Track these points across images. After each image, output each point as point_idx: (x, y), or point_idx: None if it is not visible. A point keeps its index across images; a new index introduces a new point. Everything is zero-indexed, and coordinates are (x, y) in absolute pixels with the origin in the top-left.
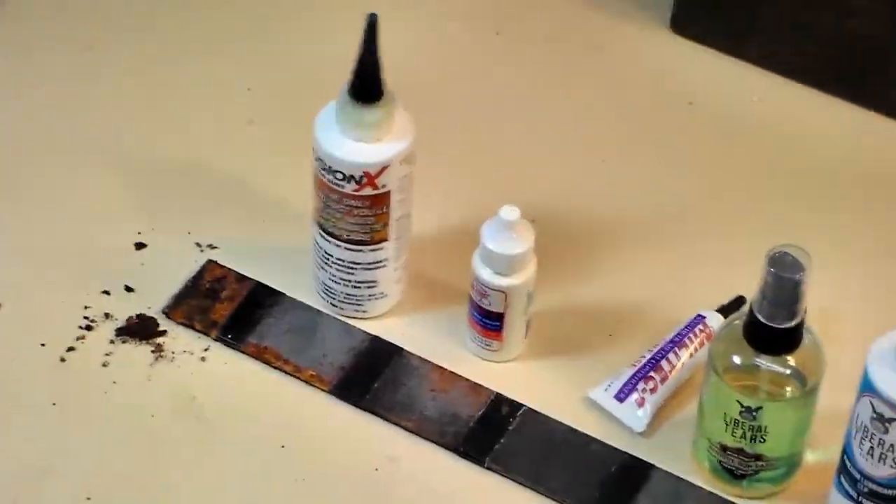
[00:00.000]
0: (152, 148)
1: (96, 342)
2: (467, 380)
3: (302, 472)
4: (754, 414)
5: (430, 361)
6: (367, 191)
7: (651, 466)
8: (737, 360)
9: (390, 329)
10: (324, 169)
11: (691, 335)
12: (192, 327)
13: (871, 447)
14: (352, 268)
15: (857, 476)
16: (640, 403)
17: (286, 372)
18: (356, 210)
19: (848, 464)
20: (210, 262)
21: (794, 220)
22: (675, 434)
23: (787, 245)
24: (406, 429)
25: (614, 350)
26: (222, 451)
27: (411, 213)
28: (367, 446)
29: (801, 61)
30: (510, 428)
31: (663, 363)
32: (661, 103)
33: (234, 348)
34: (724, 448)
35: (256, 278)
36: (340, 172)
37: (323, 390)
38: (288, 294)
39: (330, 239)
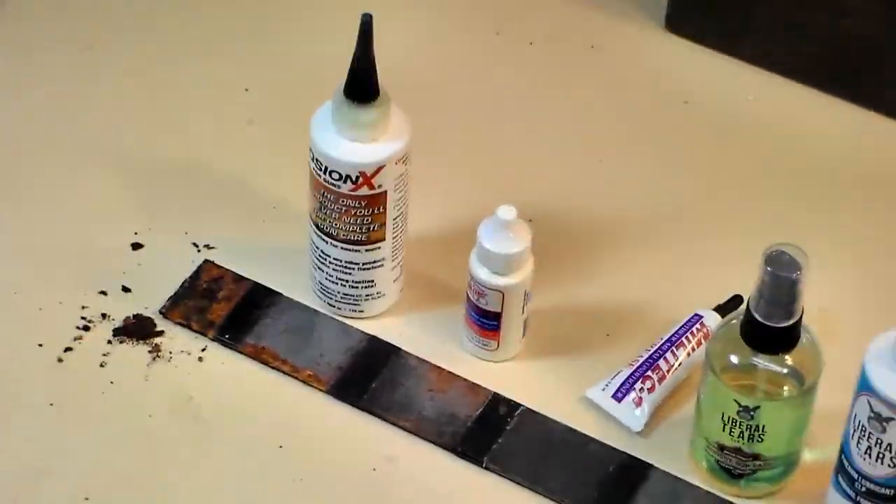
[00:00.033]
0: (150, 148)
1: (94, 342)
2: (465, 380)
3: (300, 472)
4: (752, 413)
5: (427, 361)
6: (364, 191)
7: (649, 466)
8: (734, 359)
9: (388, 329)
10: (320, 169)
11: (689, 334)
12: (189, 327)
13: (869, 446)
14: (349, 268)
15: (855, 475)
16: (638, 403)
17: (284, 372)
18: (353, 210)
19: (845, 463)
20: (207, 262)
21: (791, 220)
22: (672, 433)
23: (784, 244)
24: (404, 429)
25: (612, 349)
26: (220, 451)
27: (408, 213)
28: (364, 446)
29: (796, 60)
30: (508, 428)
31: (661, 362)
32: (657, 103)
33: (231, 348)
34: (721, 447)
35: (253, 278)
36: (337, 172)
37: (320, 390)
38: (285, 294)
39: (327, 239)
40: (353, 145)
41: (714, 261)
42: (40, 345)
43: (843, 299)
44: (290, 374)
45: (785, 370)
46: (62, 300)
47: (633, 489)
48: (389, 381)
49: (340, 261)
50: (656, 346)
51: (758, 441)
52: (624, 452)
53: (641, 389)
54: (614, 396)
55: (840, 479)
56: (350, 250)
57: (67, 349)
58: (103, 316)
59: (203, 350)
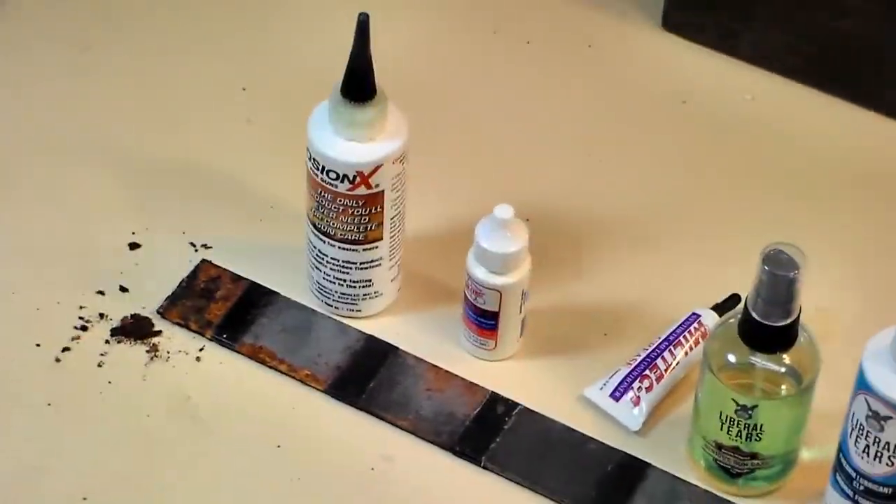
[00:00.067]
0: (147, 147)
1: (91, 342)
2: (463, 379)
3: (297, 471)
4: (750, 412)
5: (425, 361)
6: (361, 190)
7: (647, 465)
8: (732, 358)
9: (385, 328)
10: (317, 168)
11: (686, 333)
12: (186, 327)
13: (867, 445)
14: (346, 267)
15: (853, 474)
16: (636, 402)
17: (281, 372)
18: (350, 209)
19: (844, 462)
20: (204, 261)
21: (789, 219)
22: (670, 433)
23: (782, 243)
24: (401, 428)
25: (609, 349)
26: (217, 451)
27: (405, 212)
28: (362, 446)
29: (794, 60)
30: (506, 427)
31: (658, 362)
32: (655, 102)
33: (229, 348)
34: (719, 446)
35: (251, 278)
36: (334, 172)
37: (318, 390)
38: (282, 294)
39: (324, 238)
40: (350, 145)
41: (712, 260)
42: (38, 345)
43: (840, 298)
44: (287, 374)
45: (783, 369)
46: (60, 300)
47: (632, 488)
48: (387, 380)
49: (338, 260)
50: (654, 346)
51: (756, 440)
52: (622, 451)
53: (639, 388)
54: (612, 396)
55: (838, 477)
56: (347, 250)
57: (65, 349)
58: (101, 316)
59: (201, 350)
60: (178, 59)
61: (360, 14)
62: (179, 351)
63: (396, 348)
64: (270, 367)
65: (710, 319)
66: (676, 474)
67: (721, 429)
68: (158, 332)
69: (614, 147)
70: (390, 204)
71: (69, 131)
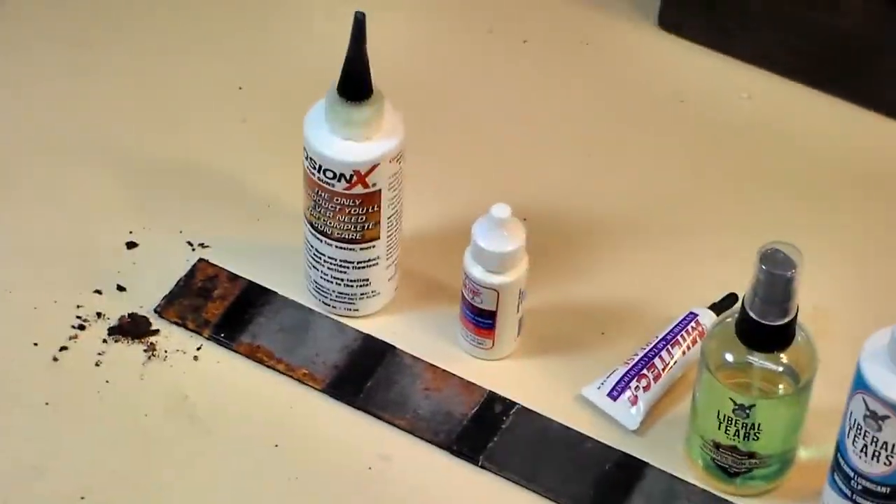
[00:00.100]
0: (145, 146)
1: (89, 341)
2: (460, 378)
3: (295, 470)
4: (747, 411)
5: (422, 360)
6: (358, 189)
7: (645, 464)
8: (729, 357)
9: (383, 327)
10: (314, 167)
11: (684, 333)
12: (184, 326)
13: (865, 445)
14: (343, 266)
15: (851, 473)
16: (634, 401)
17: (279, 371)
18: (347, 208)
19: (841, 461)
20: (202, 261)
21: (786, 218)
22: (668, 432)
23: (779, 242)
24: (399, 427)
25: (607, 348)
26: (215, 450)
27: (402, 212)
28: (360, 445)
29: (791, 58)
30: (503, 426)
31: (656, 361)
32: (652, 101)
33: (226, 347)
34: (717, 446)
35: (248, 277)
36: (330, 171)
37: (316, 389)
38: (280, 293)
39: (321, 237)
40: (346, 144)
41: (709, 259)
42: (35, 344)
43: (838, 297)
44: (285, 373)
45: (780, 368)
46: (57, 299)
47: (629, 487)
48: (385, 379)
49: (335, 259)
50: (651, 345)
51: (753, 439)
52: (619, 451)
53: (637, 388)
54: (610, 395)
55: (836, 477)
56: (345, 249)
57: (63, 348)
58: (98, 315)
59: (198, 349)
60: (174, 59)
61: (357, 13)
62: (177, 350)
63: (394, 347)
64: (268, 367)
65: (708, 319)
66: (674, 473)
67: (719, 428)
68: (156, 332)
69: (611, 146)
70: (387, 203)
71: (66, 131)
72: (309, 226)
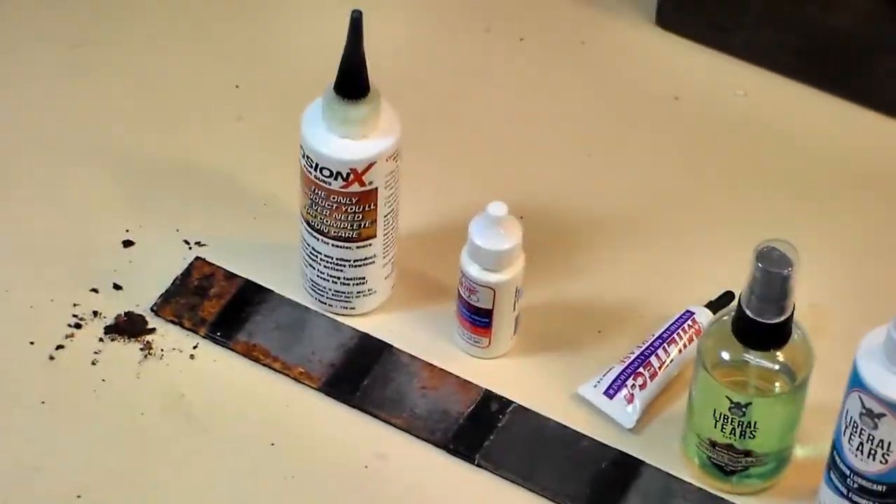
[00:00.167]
0: (140, 145)
1: (85, 340)
2: (457, 376)
3: (291, 469)
4: (744, 410)
5: (419, 358)
6: (355, 187)
7: (641, 463)
8: (726, 355)
9: (379, 326)
10: (311, 166)
11: (680, 331)
12: (180, 325)
13: (861, 443)
14: (340, 265)
15: (847, 472)
16: (630, 400)
17: (275, 369)
18: (343, 207)
19: (837, 459)
20: (198, 259)
21: (782, 215)
22: (664, 430)
23: (775, 240)
24: (395, 426)
25: (603, 346)
26: (211, 449)
27: (399, 210)
28: (356, 443)
29: (787, 56)
30: (500, 425)
31: (652, 359)
32: (648, 98)
33: (222, 346)
34: (713, 444)
35: (245, 275)
36: (327, 169)
37: (312, 387)
38: (276, 291)
39: (318, 236)
40: (343, 142)
41: (705, 257)
42: (32, 343)
43: (834, 295)
44: (281, 372)
45: (776, 366)
46: (53, 298)
47: (626, 486)
48: (381, 378)
49: (331, 258)
50: (648, 343)
51: (749, 437)
52: (616, 449)
53: (633, 386)
54: (606, 393)
55: (832, 475)
56: (341, 247)
57: (59, 347)
58: (95, 314)
59: (195, 347)
60: (172, 59)
61: (354, 11)
62: (173, 349)
63: (390, 346)
64: (264, 365)
65: (704, 317)
66: (670, 472)
67: (715, 426)
68: (152, 330)
69: (608, 144)
70: (384, 201)
71: (62, 130)
72: (305, 224)
